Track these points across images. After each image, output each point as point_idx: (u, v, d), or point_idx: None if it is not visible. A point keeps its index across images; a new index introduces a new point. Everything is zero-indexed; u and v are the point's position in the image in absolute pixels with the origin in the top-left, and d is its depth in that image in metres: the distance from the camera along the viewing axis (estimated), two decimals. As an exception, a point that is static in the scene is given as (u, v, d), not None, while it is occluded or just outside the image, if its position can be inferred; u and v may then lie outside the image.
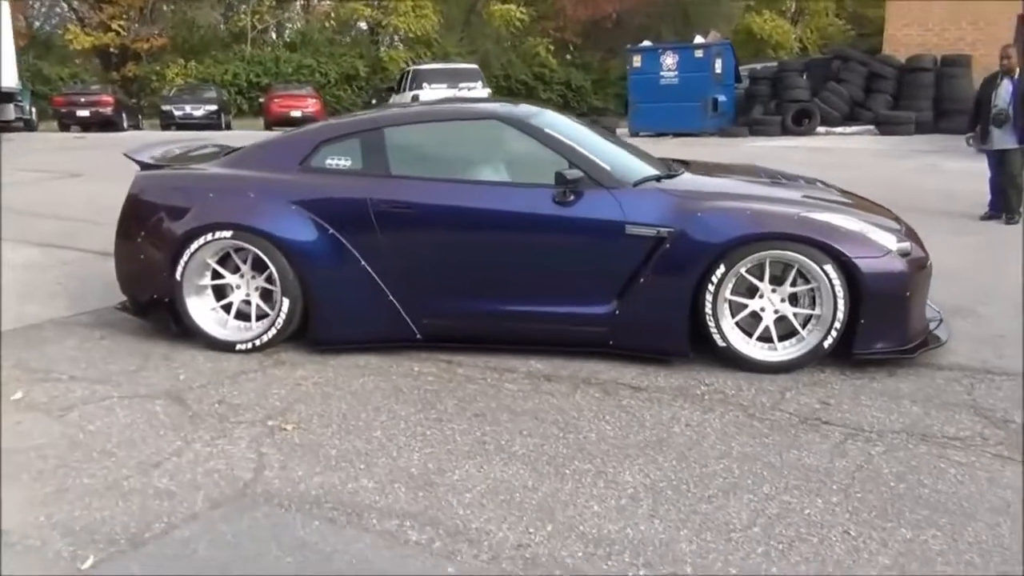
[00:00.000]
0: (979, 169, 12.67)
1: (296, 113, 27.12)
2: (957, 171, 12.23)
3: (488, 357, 4.27)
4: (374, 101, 26.20)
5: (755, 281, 4.03)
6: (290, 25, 40.45)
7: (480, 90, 18.43)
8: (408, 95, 18.23)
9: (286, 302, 4.28)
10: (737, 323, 4.06)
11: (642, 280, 4.06)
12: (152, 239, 4.41)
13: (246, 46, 35.64)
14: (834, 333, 3.96)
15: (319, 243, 4.23)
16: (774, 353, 4.05)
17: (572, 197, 4.10)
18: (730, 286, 4.00)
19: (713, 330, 4.02)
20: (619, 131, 19.61)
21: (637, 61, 19.27)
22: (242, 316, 4.46)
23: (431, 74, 18.45)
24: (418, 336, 4.32)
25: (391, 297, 4.26)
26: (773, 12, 39.37)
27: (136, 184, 4.52)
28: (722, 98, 18.93)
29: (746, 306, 4.07)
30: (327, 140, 4.44)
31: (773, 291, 4.05)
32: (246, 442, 3.30)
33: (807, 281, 4.00)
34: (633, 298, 4.08)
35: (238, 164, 4.57)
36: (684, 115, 18.36)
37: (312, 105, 27.52)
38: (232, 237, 4.27)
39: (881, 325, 3.98)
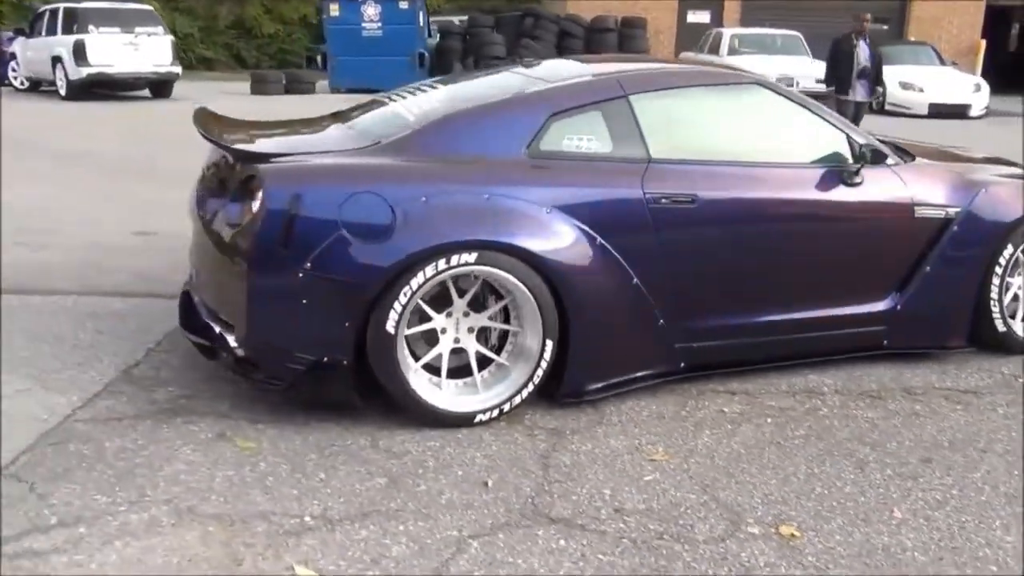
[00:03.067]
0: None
1: None
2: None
3: (757, 379, 3.50)
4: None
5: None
6: None
7: (163, 37, 15.47)
8: (67, 40, 14.62)
9: (549, 345, 3.04)
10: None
11: (928, 269, 3.60)
12: (327, 275, 2.81)
13: None
14: (1090, 307, 3.90)
15: (588, 259, 3.05)
16: (1029, 330, 3.88)
17: (859, 179, 3.47)
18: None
19: (997, 315, 3.72)
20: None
21: (335, 10, 17.72)
22: (432, 370, 3.09)
23: (97, 15, 14.83)
24: (682, 365, 3.38)
25: (661, 320, 3.25)
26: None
27: (277, 191, 2.82)
28: (424, 52, 18.31)
29: (1009, 286, 3.83)
30: (558, 113, 3.19)
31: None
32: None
33: (1052, 256, 3.87)
34: (916, 290, 3.61)
35: (426, 149, 3.09)
36: (392, 70, 17.31)
37: None
38: (477, 262, 2.89)
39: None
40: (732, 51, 15.51)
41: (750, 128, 3.53)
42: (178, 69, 15.72)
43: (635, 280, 3.15)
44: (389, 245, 2.82)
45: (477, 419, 3.02)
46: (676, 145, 3.31)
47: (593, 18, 19.09)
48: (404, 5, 17.62)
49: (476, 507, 2.51)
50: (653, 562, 2.28)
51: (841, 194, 3.44)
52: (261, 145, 3.20)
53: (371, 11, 17.57)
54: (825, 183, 3.43)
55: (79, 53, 14.50)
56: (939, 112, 14.66)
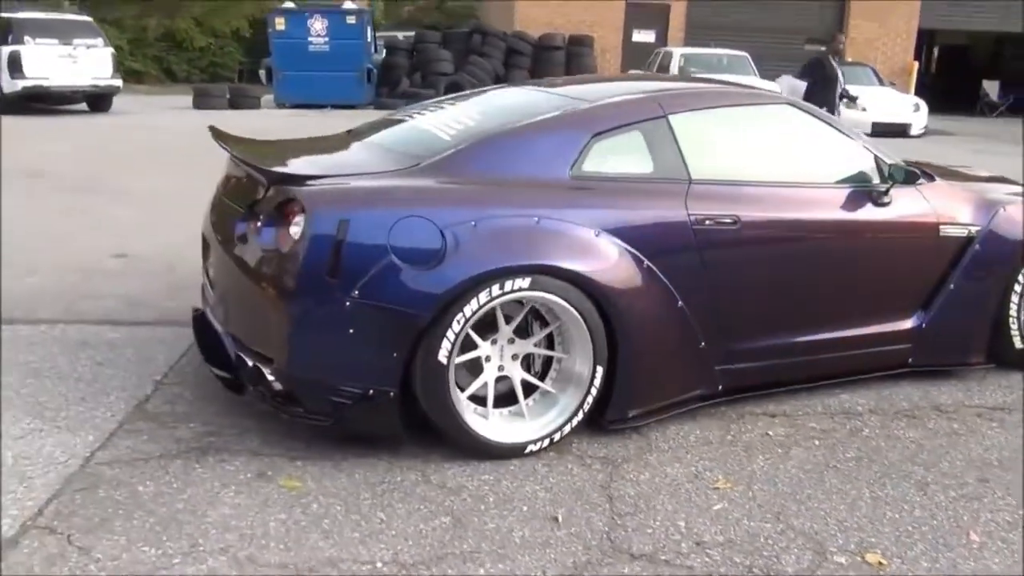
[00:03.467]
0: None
1: None
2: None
3: (791, 401, 3.46)
4: None
5: None
6: None
7: (103, 48, 14.92)
8: (1, 52, 13.96)
9: (599, 371, 2.96)
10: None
11: (951, 287, 3.63)
12: (376, 303, 2.67)
13: None
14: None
15: (637, 282, 2.98)
16: (1048, 348, 3.94)
17: (888, 199, 3.49)
18: (1023, 284, 3.78)
19: (1015, 333, 3.78)
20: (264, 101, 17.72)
21: (280, 24, 17.37)
22: (475, 399, 2.97)
23: (33, 25, 14.13)
24: (720, 388, 3.32)
25: (702, 342, 3.19)
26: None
27: (324, 215, 2.67)
28: (372, 68, 18.11)
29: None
30: (600, 133, 3.12)
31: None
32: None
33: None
34: (940, 308, 3.64)
35: (468, 170, 2.97)
36: (339, 85, 17.14)
37: None
38: (530, 287, 2.78)
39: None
40: (682, 71, 15.73)
41: (783, 148, 3.51)
42: (118, 82, 15.19)
43: (680, 303, 3.09)
44: (441, 272, 2.69)
45: (528, 450, 2.91)
46: (714, 166, 3.27)
47: (541, 36, 19.14)
48: (352, 20, 17.39)
49: (553, 545, 2.40)
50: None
51: (873, 214, 3.45)
52: (295, 166, 3.05)
53: (318, 25, 17.28)
54: (858, 203, 3.43)
55: (14, 65, 13.87)
56: (881, 131, 15.07)
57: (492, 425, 2.90)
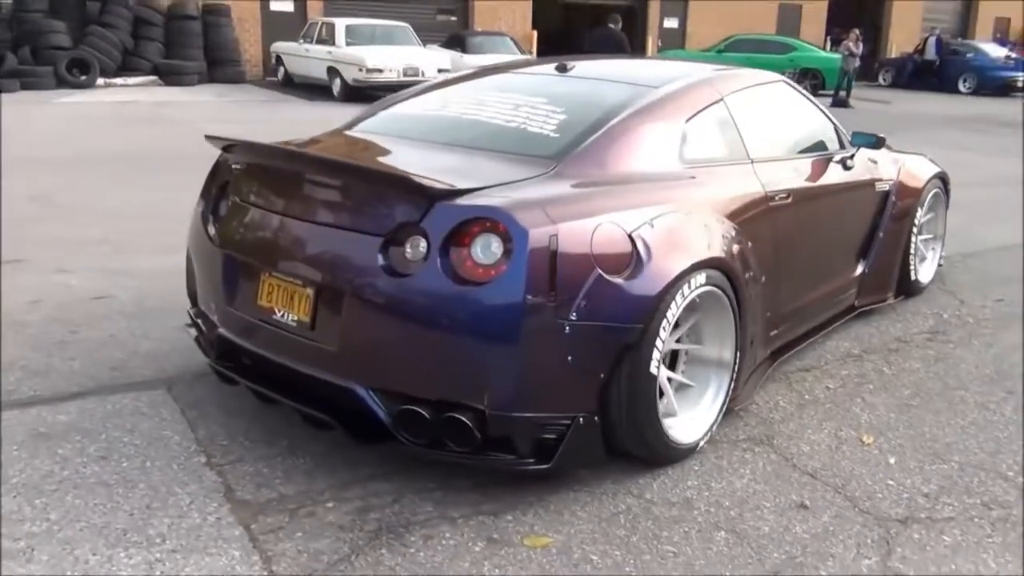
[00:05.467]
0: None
1: None
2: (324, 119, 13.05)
3: (803, 358, 3.79)
4: None
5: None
6: None
7: None
8: None
9: (739, 357, 3.00)
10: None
11: (881, 234, 4.24)
12: (595, 322, 2.41)
13: None
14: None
15: (749, 264, 3.05)
16: (922, 275, 4.76)
17: (853, 162, 3.96)
18: (917, 224, 4.55)
19: (912, 267, 4.53)
20: None
21: None
22: None
23: None
24: (768, 353, 3.55)
25: (768, 312, 3.39)
26: None
27: (534, 230, 2.31)
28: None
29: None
30: (688, 119, 3.08)
31: (913, 222, 4.70)
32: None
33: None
34: (874, 254, 4.24)
35: (601, 168, 2.75)
36: (-72, 66, 13.88)
37: None
38: (707, 283, 2.72)
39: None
40: (347, 42, 15.37)
41: (792, 122, 3.79)
42: None
43: (763, 278, 3.23)
44: (643, 279, 2.52)
45: (699, 447, 2.86)
46: (759, 144, 3.42)
47: (171, 4, 17.29)
48: (-65, -15, 14.08)
49: (835, 532, 2.44)
50: None
51: (848, 176, 3.89)
52: (435, 179, 2.56)
53: None
54: (840, 168, 3.84)
55: None
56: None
57: (669, 428, 2.80)
